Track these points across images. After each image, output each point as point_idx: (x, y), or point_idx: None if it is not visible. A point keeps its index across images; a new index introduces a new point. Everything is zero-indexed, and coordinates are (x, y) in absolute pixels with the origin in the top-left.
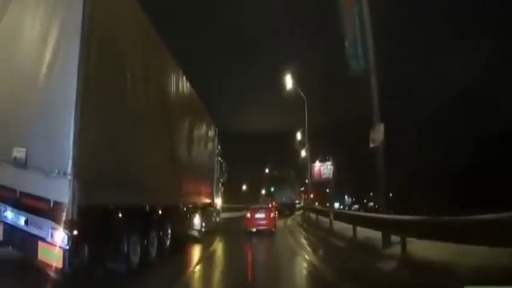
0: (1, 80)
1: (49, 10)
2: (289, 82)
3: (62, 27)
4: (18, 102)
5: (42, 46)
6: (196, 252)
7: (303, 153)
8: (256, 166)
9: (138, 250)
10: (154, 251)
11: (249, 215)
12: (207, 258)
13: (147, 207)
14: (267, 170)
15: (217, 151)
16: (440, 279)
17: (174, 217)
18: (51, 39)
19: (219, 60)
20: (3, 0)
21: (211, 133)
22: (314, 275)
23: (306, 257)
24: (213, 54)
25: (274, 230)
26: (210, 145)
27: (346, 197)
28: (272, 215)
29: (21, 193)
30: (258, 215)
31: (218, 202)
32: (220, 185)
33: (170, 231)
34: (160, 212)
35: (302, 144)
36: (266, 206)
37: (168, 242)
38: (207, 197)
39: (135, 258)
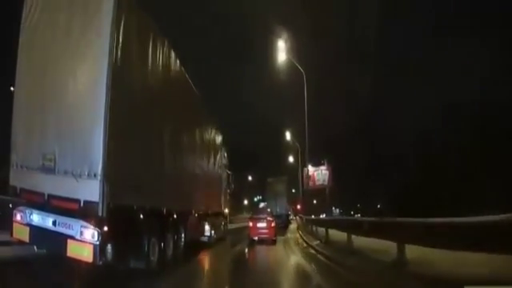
0: (33, 91)
1: (83, 33)
2: (282, 50)
3: (93, 48)
4: (47, 110)
5: (75, 62)
6: (207, 257)
7: (291, 158)
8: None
9: (157, 251)
10: (169, 253)
11: (251, 225)
12: (217, 263)
13: (164, 210)
14: (250, 178)
15: (224, 162)
16: None
17: (187, 222)
18: (82, 56)
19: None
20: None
21: (220, 144)
22: None
23: None
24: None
25: (274, 238)
26: (219, 156)
27: (333, 208)
28: (273, 225)
29: (49, 195)
30: (260, 225)
31: (226, 211)
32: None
33: (183, 235)
34: (175, 216)
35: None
36: (267, 216)
37: (182, 246)
38: (217, 206)
39: (154, 258)
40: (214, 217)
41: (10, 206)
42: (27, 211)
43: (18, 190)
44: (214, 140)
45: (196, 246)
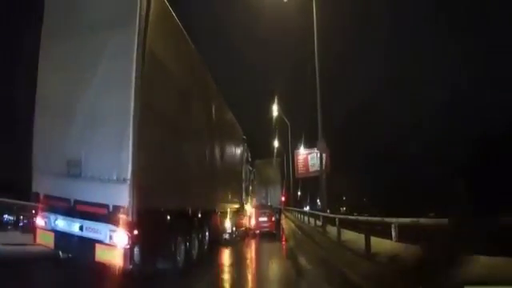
0: (56, 97)
1: (108, 30)
2: None
3: (119, 48)
4: (72, 116)
5: (103, 64)
6: (230, 255)
7: (276, 142)
8: None
9: (183, 251)
10: (195, 252)
11: (254, 219)
12: (241, 260)
13: (190, 211)
14: None
15: (245, 157)
16: None
17: (210, 221)
18: (110, 59)
19: None
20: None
21: (241, 143)
22: None
23: None
24: None
25: (275, 232)
26: (240, 154)
27: (317, 200)
28: (273, 219)
29: (75, 201)
30: (262, 219)
31: (248, 208)
32: (250, 192)
33: (207, 234)
34: (199, 216)
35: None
36: (268, 211)
37: (206, 244)
38: (239, 203)
39: (180, 258)
40: (236, 214)
41: (33, 212)
42: (51, 217)
43: (42, 197)
44: (237, 134)
45: (219, 243)
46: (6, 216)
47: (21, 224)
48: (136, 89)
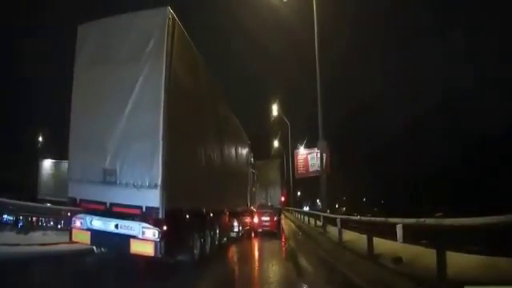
0: (94, 115)
1: (141, 61)
2: None
3: (150, 75)
4: (111, 132)
5: (136, 89)
6: (236, 251)
7: (276, 142)
8: None
9: (198, 245)
10: (207, 247)
11: (257, 218)
12: (246, 257)
13: (204, 210)
14: None
15: (249, 160)
16: None
17: (220, 220)
18: (142, 84)
19: None
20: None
21: (246, 147)
22: None
23: None
24: None
25: (275, 231)
26: (245, 158)
27: (318, 201)
28: (274, 219)
29: (111, 204)
30: (264, 218)
31: (252, 208)
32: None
33: (218, 231)
34: (211, 215)
35: None
36: (270, 211)
37: (217, 240)
38: (244, 203)
39: (197, 251)
40: (242, 214)
41: (69, 214)
42: (87, 218)
43: (78, 201)
44: (243, 139)
45: (227, 240)
46: (5, 216)
47: (20, 224)
48: (164, 109)
